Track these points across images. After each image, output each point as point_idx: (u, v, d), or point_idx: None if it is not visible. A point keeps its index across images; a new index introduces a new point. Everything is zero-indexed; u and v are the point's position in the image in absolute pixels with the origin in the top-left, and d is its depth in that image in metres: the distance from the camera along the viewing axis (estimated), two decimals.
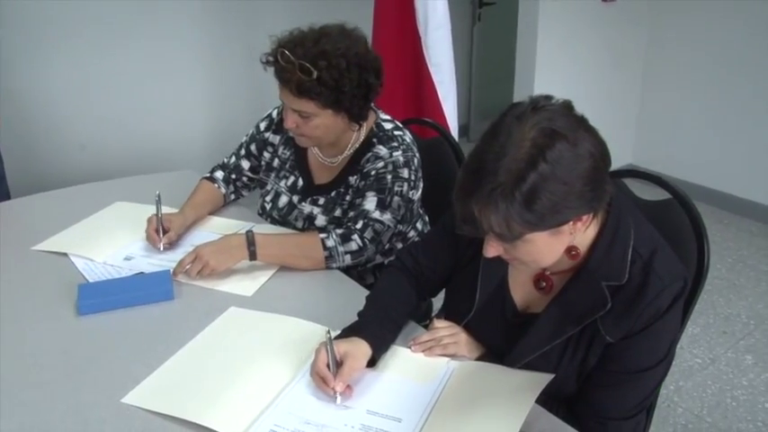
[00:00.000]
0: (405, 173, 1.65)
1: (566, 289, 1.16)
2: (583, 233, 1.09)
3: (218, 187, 1.91)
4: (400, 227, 1.72)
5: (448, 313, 1.36)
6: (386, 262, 1.80)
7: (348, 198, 1.72)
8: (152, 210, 1.71)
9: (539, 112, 1.00)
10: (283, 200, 1.82)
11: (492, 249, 1.09)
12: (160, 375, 1.24)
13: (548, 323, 1.16)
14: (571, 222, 1.04)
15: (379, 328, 1.27)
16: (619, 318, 1.10)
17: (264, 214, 1.88)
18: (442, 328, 1.30)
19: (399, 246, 1.79)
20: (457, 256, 1.33)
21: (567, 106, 1.03)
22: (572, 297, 1.14)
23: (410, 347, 1.29)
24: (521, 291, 1.25)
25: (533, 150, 0.97)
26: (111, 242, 1.75)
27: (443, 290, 1.46)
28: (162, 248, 1.69)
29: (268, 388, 1.19)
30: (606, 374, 1.14)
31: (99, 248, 1.71)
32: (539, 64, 3.58)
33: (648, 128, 4.12)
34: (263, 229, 1.76)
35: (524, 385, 1.13)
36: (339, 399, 1.16)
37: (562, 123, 0.99)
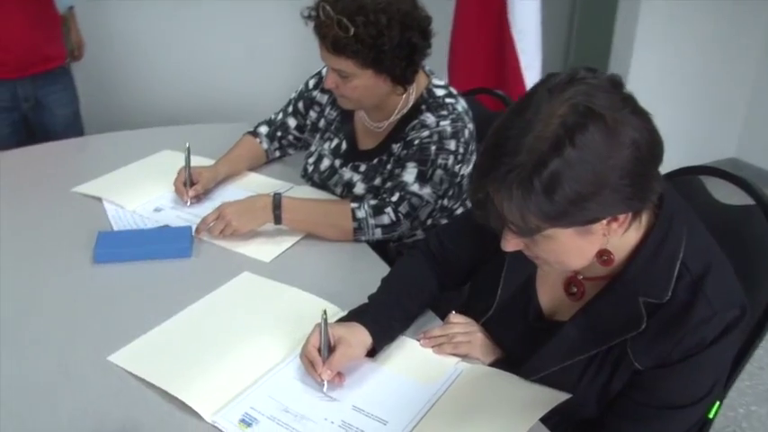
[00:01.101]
0: (451, 145, 1.49)
1: (596, 299, 0.99)
2: (620, 237, 0.91)
3: (261, 143, 1.82)
4: (444, 202, 1.57)
5: (468, 308, 1.20)
6: None
7: (389, 167, 1.59)
8: (198, 160, 1.64)
9: (575, 84, 0.82)
10: (325, 163, 1.71)
11: (510, 243, 0.93)
12: (151, 338, 1.17)
13: (572, 335, 0.99)
14: (604, 222, 0.87)
15: (385, 316, 1.14)
16: (652, 342, 0.92)
17: (306, 177, 1.78)
18: (458, 324, 1.15)
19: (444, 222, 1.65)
20: (483, 244, 1.17)
21: (613, 81, 0.85)
22: (602, 309, 0.97)
23: (419, 341, 1.16)
24: (549, 293, 1.09)
25: (560, 131, 0.80)
26: (145, 191, 1.70)
27: None
28: (188, 202, 1.62)
29: (255, 366, 1.10)
30: (632, 405, 0.97)
31: (132, 196, 1.67)
32: (638, 41, 3.27)
33: (758, 120, 3.70)
34: (301, 192, 1.67)
35: (533, 401, 0.98)
36: (326, 387, 1.05)
37: (602, 101, 0.81)
